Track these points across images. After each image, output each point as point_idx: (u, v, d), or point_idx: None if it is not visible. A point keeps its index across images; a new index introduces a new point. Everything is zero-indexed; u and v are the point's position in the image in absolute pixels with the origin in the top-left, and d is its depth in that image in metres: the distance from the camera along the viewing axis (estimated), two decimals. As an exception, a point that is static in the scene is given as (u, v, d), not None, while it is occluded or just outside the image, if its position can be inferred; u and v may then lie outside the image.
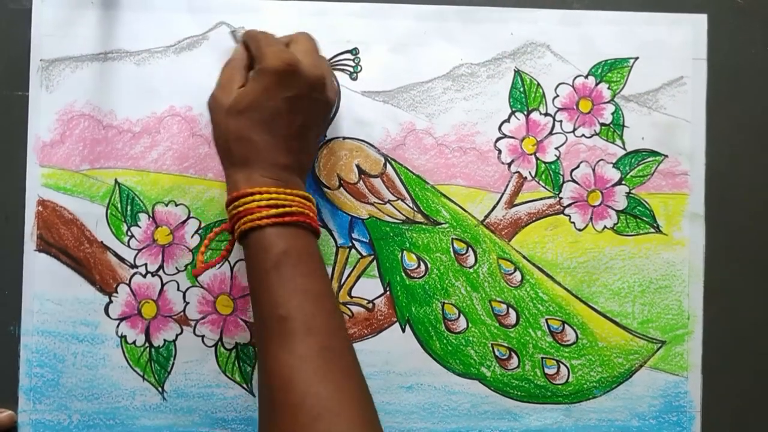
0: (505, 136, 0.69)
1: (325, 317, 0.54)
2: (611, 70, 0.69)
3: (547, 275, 0.68)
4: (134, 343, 0.67)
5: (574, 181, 0.69)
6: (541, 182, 0.69)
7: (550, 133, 0.69)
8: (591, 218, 0.69)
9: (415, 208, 0.68)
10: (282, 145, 0.58)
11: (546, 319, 0.68)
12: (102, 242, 0.67)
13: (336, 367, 0.53)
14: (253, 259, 0.56)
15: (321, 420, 0.50)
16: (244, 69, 0.59)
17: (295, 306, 0.53)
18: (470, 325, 0.68)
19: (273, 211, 0.55)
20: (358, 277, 0.68)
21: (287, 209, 0.56)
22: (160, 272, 0.67)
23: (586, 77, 0.69)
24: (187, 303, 0.67)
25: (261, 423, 0.53)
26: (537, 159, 0.69)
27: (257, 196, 0.56)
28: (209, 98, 0.60)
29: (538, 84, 0.69)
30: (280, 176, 0.57)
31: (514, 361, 0.68)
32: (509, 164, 0.69)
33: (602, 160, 0.69)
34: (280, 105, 0.57)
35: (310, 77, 0.58)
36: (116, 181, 0.67)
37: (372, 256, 0.68)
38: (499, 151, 0.69)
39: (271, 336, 0.53)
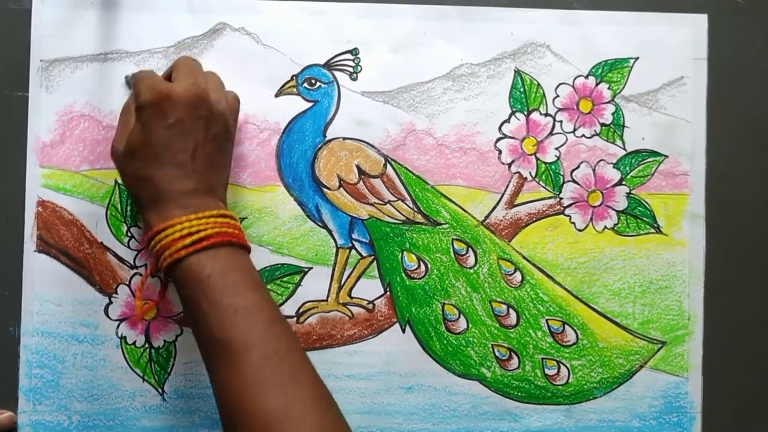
0: (506, 136, 0.69)
1: (261, 328, 0.54)
2: (611, 70, 0.69)
3: (548, 276, 0.68)
4: (134, 343, 0.67)
5: (574, 181, 0.69)
6: (541, 182, 0.69)
7: (551, 134, 0.69)
8: (591, 218, 0.69)
9: (415, 209, 0.68)
10: (182, 173, 0.58)
11: (546, 320, 0.68)
12: (102, 243, 0.67)
13: (282, 376, 0.53)
14: (182, 290, 0.57)
15: (272, 430, 0.50)
16: (135, 111, 0.59)
17: (229, 326, 0.54)
18: (470, 325, 0.68)
19: (188, 240, 0.56)
20: (358, 278, 0.68)
21: (201, 234, 0.56)
22: (160, 273, 0.67)
23: (587, 77, 0.69)
24: (187, 304, 0.67)
25: None
26: (537, 159, 0.69)
27: (170, 230, 0.56)
28: (110, 148, 0.61)
29: (539, 84, 0.69)
30: (189, 203, 0.57)
31: (515, 361, 0.68)
32: (509, 164, 0.69)
33: (602, 160, 0.69)
34: (165, 134, 0.57)
35: (186, 98, 0.58)
36: (116, 181, 0.67)
37: (372, 257, 0.68)
38: (500, 152, 0.69)
39: (213, 359, 0.54)
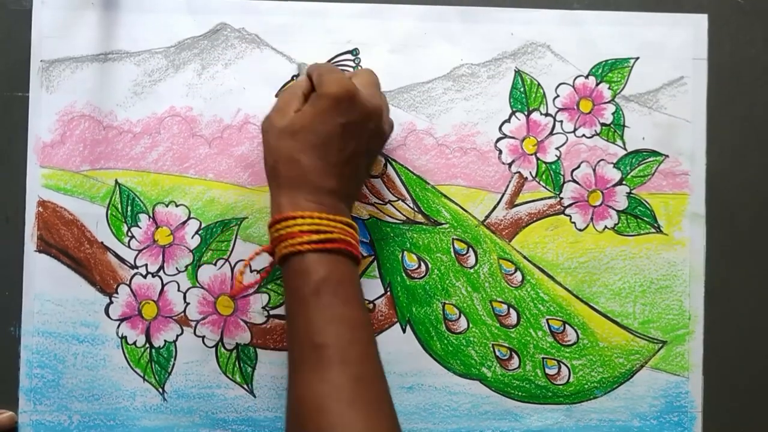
0: (506, 136, 0.69)
1: (361, 347, 0.54)
2: (612, 70, 0.69)
3: (548, 275, 0.68)
4: (135, 343, 0.67)
5: (574, 181, 0.69)
6: (541, 182, 0.69)
7: (551, 134, 0.69)
8: (592, 218, 0.69)
9: (415, 209, 0.68)
10: (331, 171, 0.57)
11: (547, 320, 0.68)
12: (102, 243, 0.67)
13: (368, 397, 0.52)
14: (292, 284, 0.56)
15: None
16: (303, 96, 0.59)
17: (332, 334, 0.53)
18: (471, 325, 0.68)
19: (315, 237, 0.55)
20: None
21: (329, 236, 0.56)
22: (161, 273, 0.67)
23: (587, 77, 0.69)
24: (188, 303, 0.67)
25: None
26: (537, 159, 0.69)
27: (299, 220, 0.55)
28: (264, 119, 0.59)
29: (539, 84, 0.69)
30: (325, 201, 0.57)
31: (515, 361, 0.68)
32: (510, 164, 0.69)
33: (603, 160, 0.69)
34: (334, 130, 0.57)
35: (367, 106, 0.58)
36: (116, 181, 0.67)
37: (372, 257, 0.68)
38: (500, 152, 0.69)
39: (306, 362, 0.53)
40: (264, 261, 0.67)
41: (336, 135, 0.57)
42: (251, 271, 0.67)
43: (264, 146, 0.59)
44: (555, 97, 0.69)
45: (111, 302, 0.67)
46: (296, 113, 0.58)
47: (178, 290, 0.67)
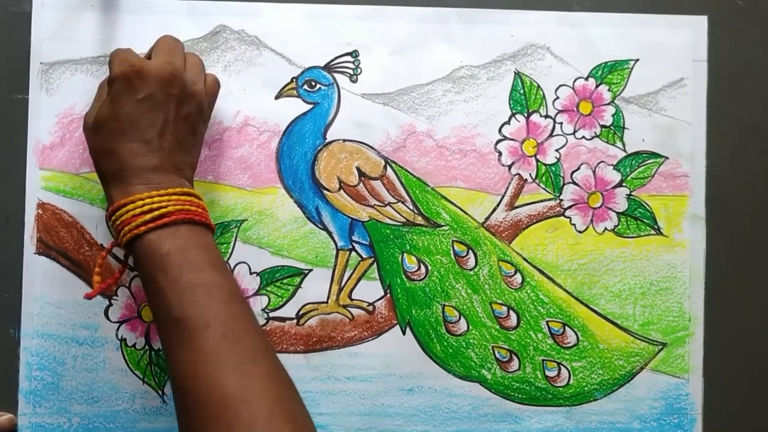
0: (506, 138, 0.69)
1: (220, 306, 0.54)
2: (611, 71, 0.69)
3: (548, 277, 0.68)
4: (134, 346, 0.67)
5: (574, 183, 0.69)
6: (541, 184, 0.69)
7: (551, 135, 0.69)
8: (591, 220, 0.69)
9: (415, 211, 0.68)
10: (147, 149, 0.57)
11: (547, 322, 0.68)
12: (102, 245, 0.67)
13: (239, 355, 0.52)
14: (141, 267, 0.56)
15: (227, 409, 0.49)
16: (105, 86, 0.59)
17: (187, 304, 0.53)
18: (471, 327, 0.68)
19: (148, 216, 0.55)
20: (359, 280, 0.68)
21: (162, 211, 0.56)
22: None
23: (587, 79, 0.69)
24: (187, 306, 0.67)
25: (179, 426, 0.53)
26: (537, 161, 0.69)
27: (131, 206, 0.56)
28: (82, 122, 0.61)
29: (539, 86, 0.69)
30: (152, 180, 0.57)
31: (515, 363, 0.68)
32: (510, 166, 0.69)
33: (603, 162, 0.69)
34: (134, 109, 0.57)
35: (158, 74, 0.58)
36: (116, 183, 0.67)
37: (372, 259, 0.68)
38: (500, 153, 0.69)
39: (171, 338, 0.53)
40: (264, 263, 0.67)
41: (138, 113, 0.57)
42: (250, 273, 0.67)
43: (87, 146, 0.60)
44: (555, 99, 0.69)
45: (110, 304, 0.67)
46: (98, 108, 0.58)
47: (178, 292, 0.67)
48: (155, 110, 0.58)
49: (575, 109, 0.69)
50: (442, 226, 0.68)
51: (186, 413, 0.52)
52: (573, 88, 0.69)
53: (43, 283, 0.66)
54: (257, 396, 0.50)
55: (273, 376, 0.53)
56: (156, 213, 0.55)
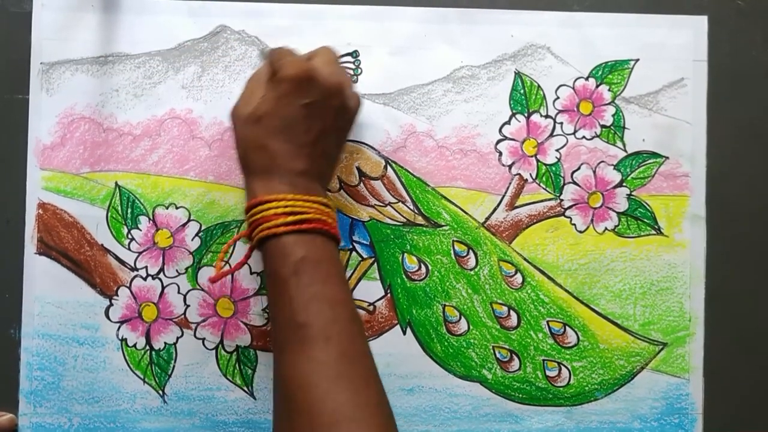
0: (506, 138, 0.69)
1: (343, 324, 0.54)
2: (612, 71, 0.69)
3: (548, 277, 0.68)
4: (135, 346, 0.67)
5: (574, 183, 0.69)
6: (541, 184, 0.69)
7: (551, 135, 0.69)
8: (592, 220, 0.69)
9: (415, 211, 0.68)
10: (299, 152, 0.57)
11: (547, 321, 0.68)
12: (102, 245, 0.67)
13: (354, 374, 0.52)
14: (271, 267, 0.56)
15: (338, 426, 0.49)
16: (266, 82, 0.59)
17: (314, 313, 0.53)
18: (471, 327, 0.68)
19: (290, 218, 0.55)
20: (359, 280, 0.68)
21: (304, 216, 0.56)
22: (161, 275, 0.67)
23: (587, 79, 0.69)
24: (188, 306, 0.67)
25: (276, 429, 0.53)
26: (538, 161, 0.69)
27: (274, 203, 0.56)
28: (231, 109, 0.59)
29: (539, 86, 0.69)
30: (298, 183, 0.57)
31: (516, 363, 0.68)
32: (510, 166, 0.69)
33: (603, 161, 0.69)
34: (297, 112, 0.57)
35: (327, 84, 0.58)
36: (116, 183, 0.67)
37: (373, 259, 0.68)
38: (500, 153, 0.69)
39: (289, 343, 0.53)
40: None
41: (300, 117, 0.57)
42: (251, 273, 0.67)
43: (233, 136, 0.59)
44: (555, 99, 0.69)
45: (111, 304, 0.67)
46: (259, 99, 0.58)
47: (179, 292, 0.67)
48: (315, 118, 0.58)
49: (575, 109, 0.69)
50: (443, 226, 0.68)
51: (289, 421, 0.52)
52: (573, 88, 0.69)
53: (44, 283, 0.66)
54: (367, 419, 0.51)
55: (382, 402, 0.53)
56: (298, 217, 0.56)
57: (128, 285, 0.67)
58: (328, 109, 0.58)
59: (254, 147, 0.57)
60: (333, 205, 0.59)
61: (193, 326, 0.67)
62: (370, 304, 0.68)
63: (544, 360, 0.68)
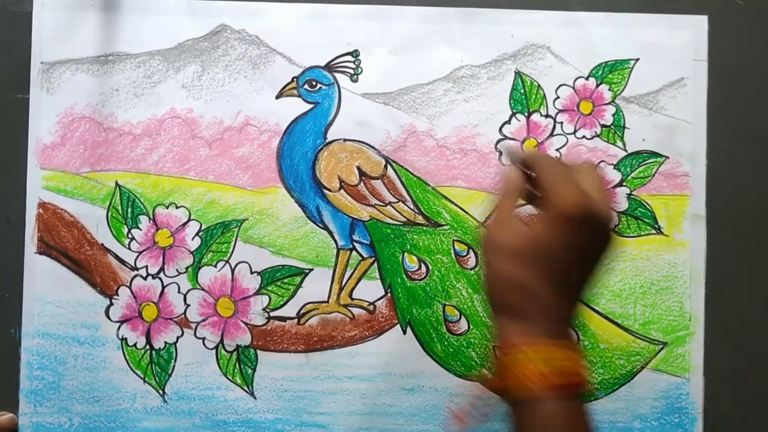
0: (506, 137, 0.69)
1: None
2: (612, 71, 0.69)
3: (549, 277, 0.68)
4: (135, 345, 0.67)
5: (575, 182, 0.69)
6: (542, 184, 0.69)
7: (551, 135, 0.69)
8: (592, 220, 0.69)
9: (416, 210, 0.68)
10: (565, 298, 0.49)
11: (547, 321, 0.68)
12: (102, 244, 0.67)
13: None
14: (523, 429, 0.48)
15: None
16: (516, 198, 0.52)
17: None
18: (471, 326, 0.68)
19: (555, 381, 0.46)
20: (359, 279, 0.68)
21: (572, 379, 0.47)
22: (161, 274, 0.67)
23: (587, 79, 0.69)
24: (188, 305, 0.67)
25: None
26: (538, 160, 0.69)
27: (532, 354, 0.47)
28: (485, 233, 0.52)
29: (539, 85, 0.69)
30: (559, 331, 0.49)
31: (516, 362, 0.68)
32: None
33: (603, 161, 0.69)
34: (573, 255, 0.49)
35: (604, 225, 0.50)
36: (117, 183, 0.67)
37: (373, 258, 0.68)
38: (500, 153, 0.69)
39: None
40: (264, 262, 0.67)
41: (575, 260, 0.49)
42: (251, 272, 0.67)
43: (487, 266, 0.51)
44: (555, 99, 0.69)
45: (111, 304, 0.67)
46: (525, 232, 0.49)
47: (179, 292, 0.67)
48: (590, 260, 0.50)
49: (576, 108, 0.69)
50: (443, 225, 0.68)
51: None
52: (573, 88, 0.69)
53: (44, 282, 0.66)
54: None
55: None
56: (566, 381, 0.47)
57: (128, 284, 0.67)
58: (598, 251, 0.50)
59: (514, 285, 0.49)
60: (582, 351, 0.51)
61: (194, 326, 0.67)
62: (371, 303, 0.68)
63: (544, 359, 0.68)
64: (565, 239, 0.48)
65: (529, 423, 0.47)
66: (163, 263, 0.67)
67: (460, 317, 0.68)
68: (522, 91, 0.69)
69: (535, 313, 0.48)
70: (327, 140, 0.68)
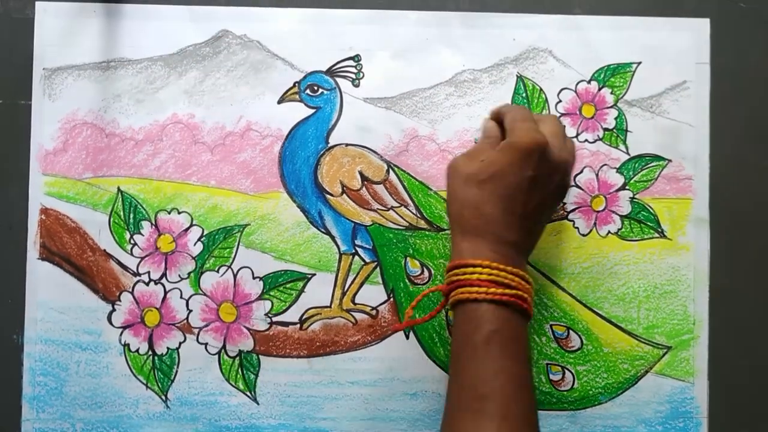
0: (508, 141, 0.69)
1: (522, 407, 0.53)
2: (614, 74, 0.69)
3: (552, 281, 0.68)
4: (137, 351, 0.67)
5: (577, 186, 0.69)
6: (544, 187, 0.69)
7: (553, 139, 0.69)
8: (595, 223, 0.69)
9: (418, 215, 0.68)
10: (514, 223, 0.56)
11: (551, 325, 0.68)
12: (105, 250, 0.67)
13: None
14: (463, 330, 0.55)
15: None
16: (495, 144, 0.58)
17: (497, 388, 0.53)
18: (474, 331, 0.68)
19: (493, 289, 0.54)
20: (362, 284, 0.68)
21: (506, 290, 0.55)
22: (163, 280, 0.67)
23: (589, 82, 0.69)
24: (190, 311, 0.67)
25: None
26: (540, 164, 0.69)
27: (479, 269, 0.55)
28: (450, 162, 0.59)
29: (541, 89, 0.69)
30: (506, 253, 0.56)
31: (519, 367, 0.68)
32: (512, 170, 0.69)
33: (606, 165, 0.69)
34: (522, 182, 0.56)
35: (556, 160, 0.57)
36: (119, 189, 0.67)
37: (375, 263, 0.68)
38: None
39: (467, 409, 0.53)
40: (267, 267, 0.67)
41: (523, 187, 0.56)
42: (253, 278, 0.67)
43: (448, 189, 0.58)
44: (557, 102, 0.69)
45: (114, 310, 0.67)
46: (484, 160, 0.57)
47: (181, 297, 0.67)
48: (536, 191, 0.57)
49: (578, 112, 0.69)
50: (445, 230, 0.68)
51: None
52: (575, 92, 0.69)
53: (46, 288, 0.66)
54: None
55: None
56: (502, 290, 0.55)
57: (131, 290, 0.67)
58: (551, 184, 0.58)
59: (471, 207, 0.56)
60: (531, 281, 0.57)
61: (196, 331, 0.67)
62: (373, 308, 0.68)
63: (547, 364, 0.68)
64: (516, 168, 0.56)
65: (467, 318, 0.55)
66: (166, 269, 0.67)
67: (463, 322, 0.68)
68: (524, 95, 0.69)
69: (485, 234, 0.56)
70: (329, 145, 0.68)
